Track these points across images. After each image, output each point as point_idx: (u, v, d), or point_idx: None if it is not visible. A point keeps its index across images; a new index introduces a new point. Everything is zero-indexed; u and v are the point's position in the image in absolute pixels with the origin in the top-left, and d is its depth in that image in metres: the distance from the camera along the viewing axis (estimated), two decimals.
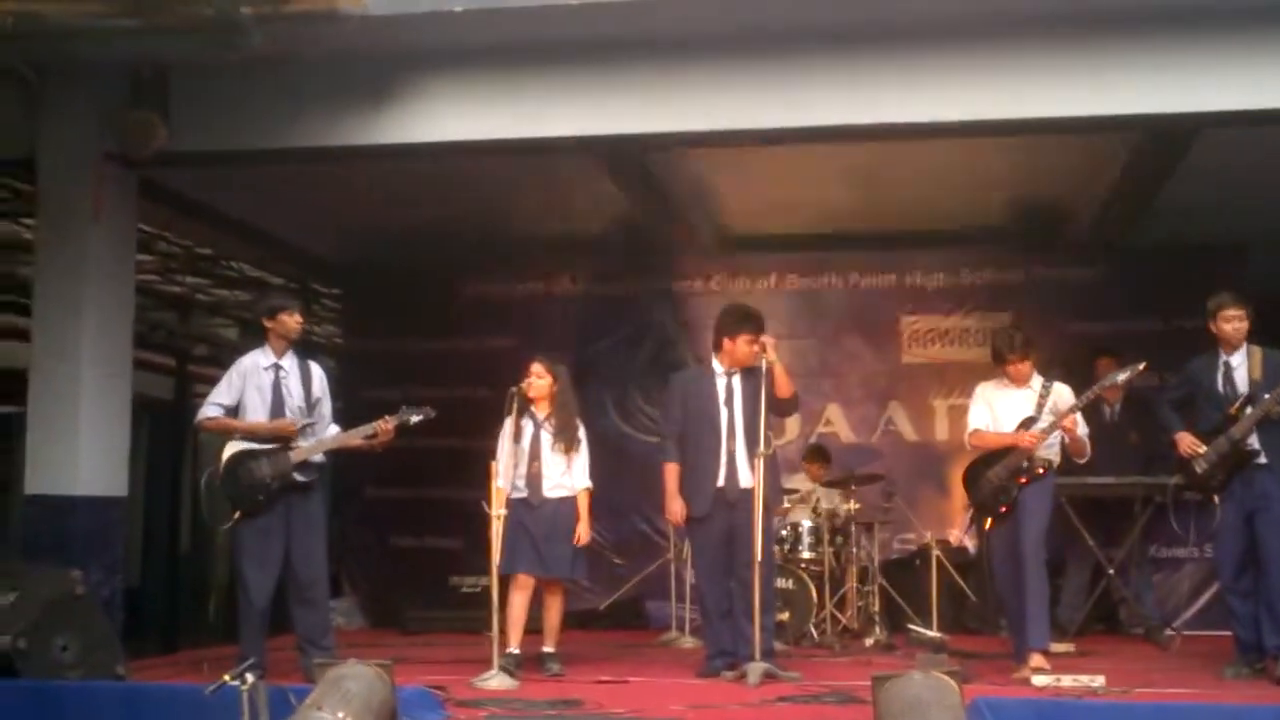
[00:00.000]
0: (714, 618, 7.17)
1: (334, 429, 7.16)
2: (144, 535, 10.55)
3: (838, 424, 10.62)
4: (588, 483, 7.38)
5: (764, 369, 6.99)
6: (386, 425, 6.97)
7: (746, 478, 7.06)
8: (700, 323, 10.83)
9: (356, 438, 7.05)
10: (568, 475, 7.31)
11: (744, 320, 7.23)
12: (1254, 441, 6.80)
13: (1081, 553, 8.84)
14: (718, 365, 7.28)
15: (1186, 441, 7.02)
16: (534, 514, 7.20)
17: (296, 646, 6.89)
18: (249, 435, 6.87)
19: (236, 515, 6.82)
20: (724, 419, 7.16)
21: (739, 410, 7.15)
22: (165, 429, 11.00)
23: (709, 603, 7.20)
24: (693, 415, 7.25)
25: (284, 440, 6.86)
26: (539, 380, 7.34)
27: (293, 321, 7.04)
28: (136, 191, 8.07)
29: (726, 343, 7.22)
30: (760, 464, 6.86)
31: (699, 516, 7.16)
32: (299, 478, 6.86)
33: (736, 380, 7.20)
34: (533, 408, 7.36)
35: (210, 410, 6.94)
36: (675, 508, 7.25)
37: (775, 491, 7.32)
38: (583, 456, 7.39)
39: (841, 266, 10.77)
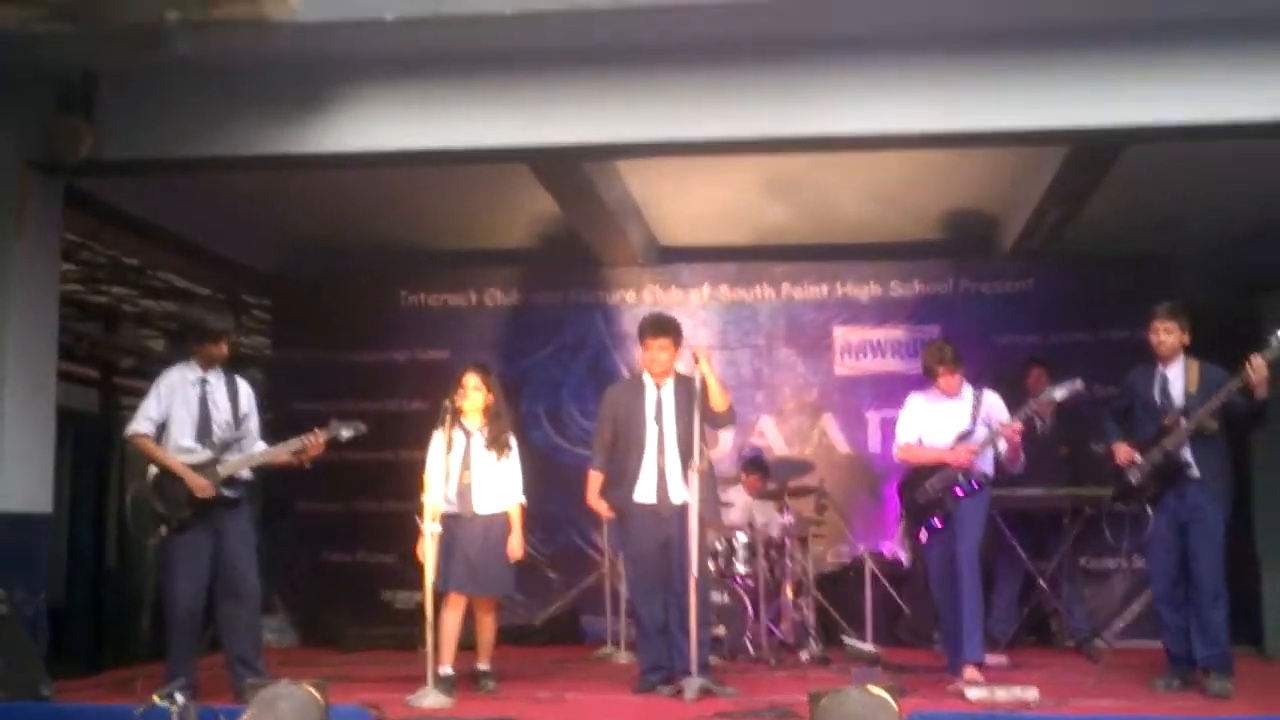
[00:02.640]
0: (649, 633, 7.14)
1: (261, 445, 7.05)
2: (69, 552, 10.33)
3: (771, 436, 10.63)
4: (520, 498, 7.32)
5: (696, 380, 6.97)
6: (315, 439, 6.90)
7: (679, 492, 7.04)
8: (634, 332, 10.78)
9: (285, 453, 6.96)
10: (500, 488, 7.24)
11: (646, 327, 7.28)
12: (1187, 454, 6.86)
13: (1012, 564, 8.90)
14: (647, 377, 7.26)
15: (1123, 452, 7.08)
16: (466, 530, 7.13)
17: (227, 665, 6.78)
18: (171, 470, 6.74)
19: (164, 531, 6.69)
20: (653, 432, 7.14)
21: (670, 422, 7.14)
22: (90, 442, 10.79)
23: (644, 618, 7.17)
24: (622, 427, 7.24)
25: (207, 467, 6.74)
26: (475, 392, 7.27)
27: (219, 351, 6.96)
28: (62, 200, 7.92)
29: (643, 352, 7.26)
30: (695, 477, 6.85)
31: (629, 526, 7.13)
32: (227, 493, 6.76)
33: (668, 391, 7.18)
34: (464, 419, 7.28)
35: (140, 425, 6.83)
36: (599, 508, 7.36)
37: (711, 505, 7.30)
38: (515, 469, 7.33)
39: (774, 278, 10.79)
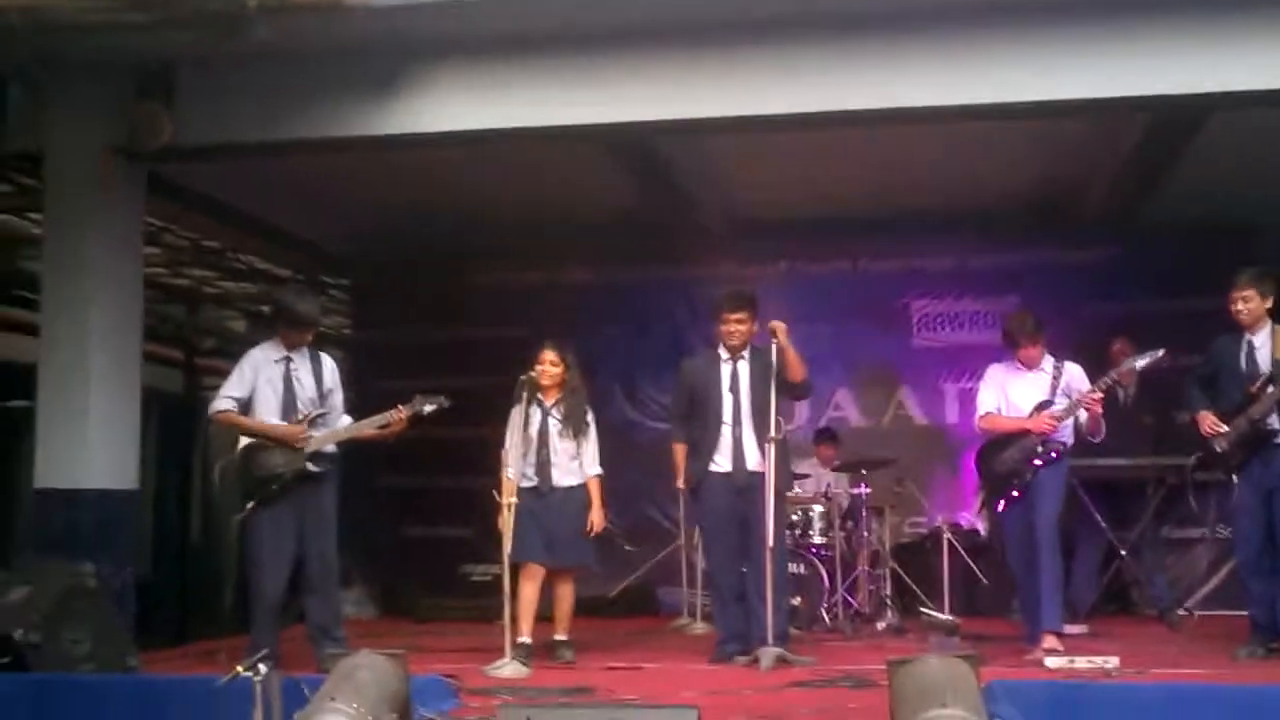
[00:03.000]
0: (726, 602, 7.17)
1: (346, 419, 7.15)
2: (155, 528, 10.53)
3: (847, 408, 10.61)
4: (598, 469, 7.38)
5: (774, 353, 6.99)
6: (400, 415, 6.97)
7: (755, 462, 7.06)
8: (709, 309, 10.81)
9: (369, 428, 7.04)
10: (577, 462, 7.31)
11: (724, 301, 7.31)
12: (1274, 421, 6.75)
13: (1093, 534, 8.82)
14: (723, 350, 7.29)
15: (1207, 421, 6.98)
16: (543, 502, 7.20)
17: (308, 637, 6.89)
18: (259, 436, 6.85)
19: (250, 506, 6.81)
20: (729, 404, 7.16)
21: (745, 394, 7.16)
22: (175, 421, 10.98)
23: (721, 587, 7.22)
24: (699, 400, 7.28)
25: (288, 445, 6.84)
26: (552, 368, 7.33)
27: (304, 338, 7.06)
28: (144, 185, 8.06)
29: (718, 326, 7.28)
30: (771, 448, 6.86)
31: (706, 497, 7.15)
32: (312, 468, 6.85)
33: (743, 364, 7.20)
34: (540, 395, 7.34)
35: (223, 404, 6.94)
36: (687, 478, 7.40)
37: (785, 477, 7.31)
38: (592, 443, 7.40)
39: (851, 251, 10.76)
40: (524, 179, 9.48)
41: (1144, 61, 6.92)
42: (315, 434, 6.91)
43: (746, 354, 7.25)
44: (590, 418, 7.45)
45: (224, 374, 7.24)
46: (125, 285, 7.91)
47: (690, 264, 10.95)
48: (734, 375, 7.22)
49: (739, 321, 7.22)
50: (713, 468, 7.17)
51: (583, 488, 7.31)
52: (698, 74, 7.28)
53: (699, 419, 7.27)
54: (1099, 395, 7.05)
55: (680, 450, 7.40)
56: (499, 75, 7.45)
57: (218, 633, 9.15)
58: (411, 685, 5.03)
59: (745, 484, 7.06)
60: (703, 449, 7.20)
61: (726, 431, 7.16)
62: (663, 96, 7.34)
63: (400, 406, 7.00)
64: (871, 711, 5.22)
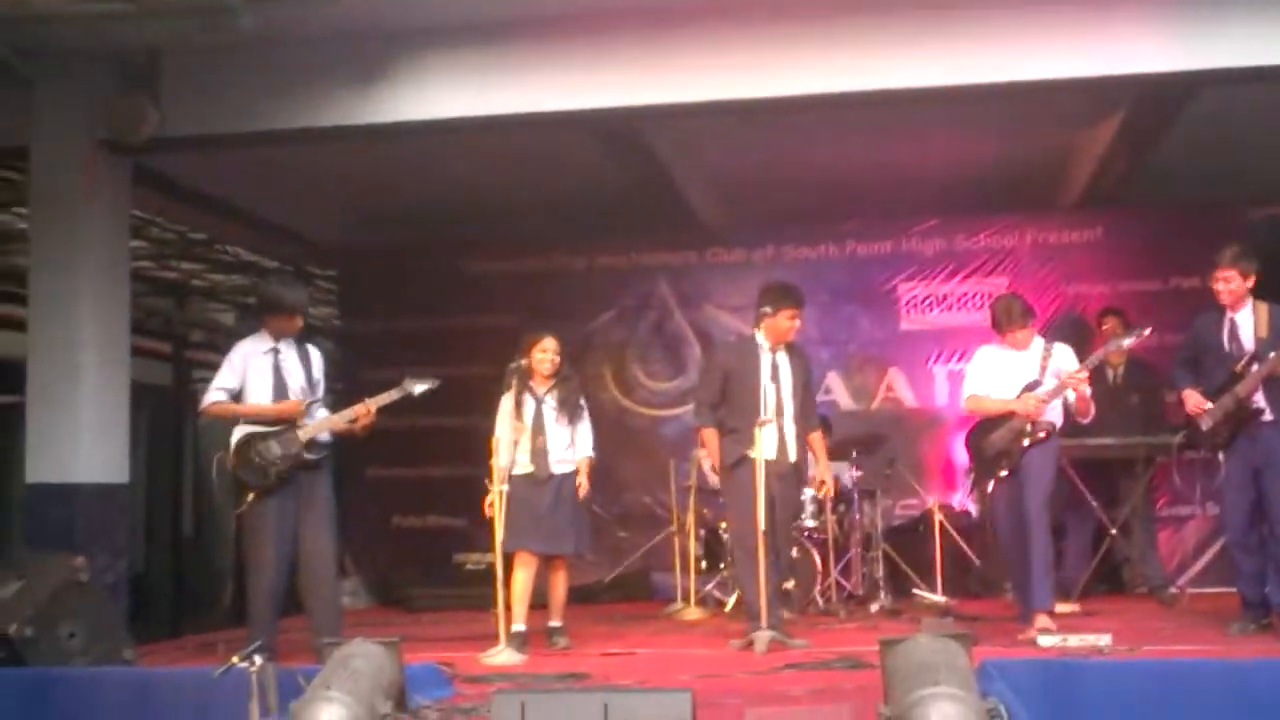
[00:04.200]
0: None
1: (324, 412, 7.11)
2: (146, 521, 10.53)
3: (837, 392, 10.62)
4: (590, 452, 7.41)
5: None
6: (367, 409, 6.91)
7: (794, 452, 7.16)
8: (698, 294, 10.86)
9: (341, 422, 6.99)
10: (571, 449, 7.31)
11: (785, 296, 7.27)
12: (1259, 399, 6.77)
13: (1083, 513, 8.84)
14: (762, 340, 7.26)
15: (1192, 400, 7.00)
16: (538, 490, 7.19)
17: (309, 626, 6.88)
18: (255, 419, 6.84)
19: (251, 497, 6.80)
20: (771, 395, 7.15)
21: (786, 387, 7.18)
22: (164, 414, 10.98)
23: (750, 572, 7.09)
24: (735, 388, 7.22)
25: (289, 421, 6.84)
26: (555, 356, 7.33)
27: (293, 324, 7.03)
28: (131, 178, 8.04)
29: (768, 319, 7.22)
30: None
31: (745, 480, 7.03)
32: (308, 456, 6.84)
33: (782, 356, 7.22)
34: (532, 383, 7.34)
35: (215, 395, 6.92)
36: (714, 464, 7.45)
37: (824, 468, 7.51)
38: (586, 429, 7.42)
39: (838, 235, 10.75)
40: (511, 166, 9.47)
41: (1130, 40, 6.93)
42: (308, 422, 6.89)
43: (783, 347, 7.26)
44: (584, 404, 7.46)
45: (213, 367, 7.23)
46: (113, 279, 7.90)
47: (677, 250, 10.95)
48: (774, 367, 7.22)
49: (796, 318, 7.24)
50: (752, 453, 7.01)
51: (575, 475, 7.31)
52: (681, 58, 7.29)
53: (734, 407, 7.19)
54: (1086, 375, 7.07)
55: (712, 435, 7.31)
56: (483, 62, 7.44)
57: (212, 626, 9.16)
58: (407, 674, 5.04)
59: (784, 473, 7.09)
60: (741, 436, 7.10)
61: (771, 423, 7.10)
62: (645, 81, 7.34)
63: (367, 400, 6.95)
64: (866, 691, 5.23)
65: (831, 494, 7.93)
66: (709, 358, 7.62)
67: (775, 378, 7.18)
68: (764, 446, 6.94)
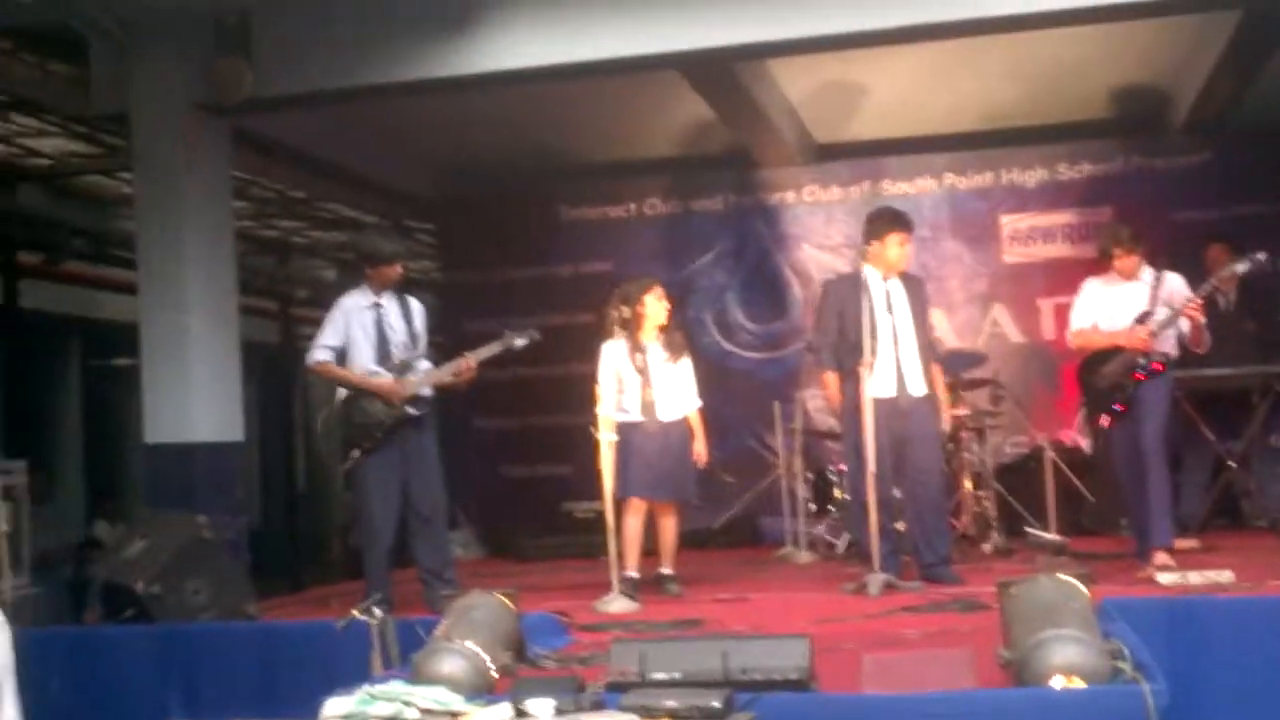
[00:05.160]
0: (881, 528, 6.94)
1: (428, 365, 7.13)
2: (261, 478, 10.73)
3: (941, 329, 10.44)
4: (698, 402, 7.37)
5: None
6: (468, 363, 6.93)
7: (918, 385, 7.02)
8: (795, 234, 10.77)
9: (446, 375, 7.02)
10: (678, 397, 7.28)
11: (893, 221, 7.14)
12: None
13: (1200, 447, 8.64)
14: (872, 271, 7.08)
15: None
16: (645, 437, 7.16)
17: (419, 579, 6.97)
18: (357, 388, 6.88)
19: (356, 454, 6.87)
20: (888, 326, 7.00)
21: (903, 317, 7.06)
22: (274, 372, 11.16)
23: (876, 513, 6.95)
24: (850, 323, 6.99)
25: (386, 400, 6.88)
26: (663, 303, 7.29)
27: (393, 273, 7.03)
28: (230, 139, 8.13)
29: (875, 246, 7.08)
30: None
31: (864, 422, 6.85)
32: (412, 411, 6.88)
33: (896, 285, 7.11)
34: (640, 331, 7.28)
35: (320, 354, 6.97)
36: (835, 406, 7.33)
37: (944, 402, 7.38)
38: (689, 375, 7.37)
39: (935, 169, 10.57)
40: (603, 112, 9.44)
41: None
42: (412, 378, 6.93)
43: (896, 277, 7.12)
44: (687, 350, 7.43)
45: (317, 323, 7.28)
46: (218, 240, 8.02)
47: (773, 190, 10.84)
48: (887, 296, 7.06)
49: (905, 242, 7.10)
50: (874, 392, 6.84)
51: (683, 421, 7.28)
52: None
53: (849, 345, 6.98)
54: (1199, 303, 6.88)
55: (833, 379, 7.16)
56: (571, 8, 7.41)
57: (328, 579, 9.33)
58: (524, 623, 5.08)
59: (909, 408, 6.98)
60: (859, 372, 6.84)
61: (888, 353, 6.96)
62: (734, 20, 7.27)
63: (467, 354, 6.96)
64: (983, 633, 5.17)
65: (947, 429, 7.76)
66: (822, 297, 7.46)
67: (890, 309, 7.05)
68: (877, 385, 6.82)
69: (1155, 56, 9.07)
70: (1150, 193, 10.09)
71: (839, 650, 4.98)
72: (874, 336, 6.84)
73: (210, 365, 7.77)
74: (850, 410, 7.00)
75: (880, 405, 6.84)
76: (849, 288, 7.14)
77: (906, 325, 7.04)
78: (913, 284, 7.18)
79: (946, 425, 7.54)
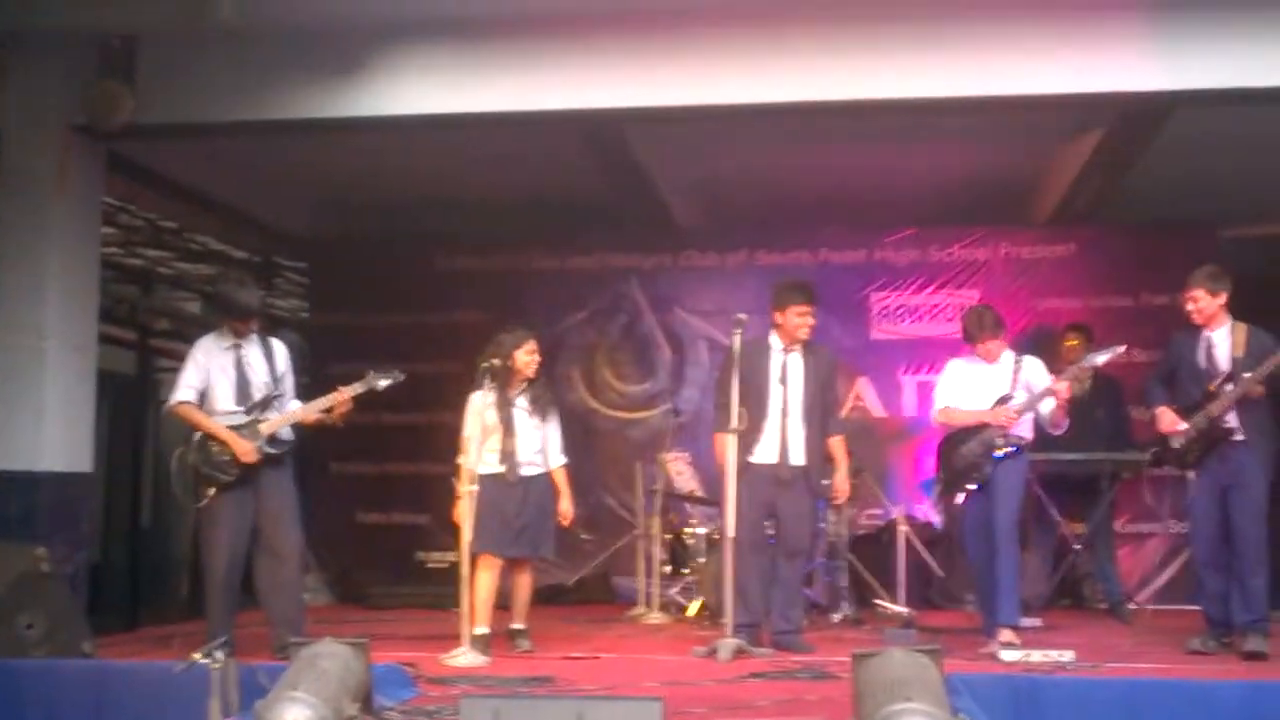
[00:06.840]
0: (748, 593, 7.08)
1: (296, 404, 7.06)
2: (105, 511, 10.41)
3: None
4: (564, 459, 7.35)
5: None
6: (342, 396, 6.89)
7: (798, 456, 7.10)
8: (670, 297, 10.84)
9: (314, 411, 6.96)
10: (541, 452, 7.25)
11: (794, 290, 7.26)
12: (1232, 419, 6.77)
13: (1046, 527, 8.89)
14: (775, 341, 7.23)
15: (1166, 418, 7.00)
16: (506, 491, 7.11)
17: (269, 623, 6.82)
18: (214, 436, 6.75)
19: (211, 493, 6.72)
20: (779, 396, 7.12)
21: (795, 389, 7.14)
22: (127, 403, 10.86)
23: (745, 579, 7.04)
24: (746, 389, 7.07)
25: (250, 419, 6.76)
26: (537, 358, 7.28)
27: (246, 328, 6.97)
28: (104, 164, 7.97)
29: (778, 315, 7.21)
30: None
31: (744, 487, 6.96)
32: (269, 450, 6.78)
33: (795, 358, 7.18)
34: (505, 382, 7.24)
35: (183, 394, 6.84)
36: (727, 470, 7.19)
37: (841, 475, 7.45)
38: (556, 432, 7.35)
39: (811, 243, 10.74)
40: (487, 163, 9.43)
41: (1111, 58, 6.97)
42: (269, 417, 6.83)
43: (799, 348, 7.22)
44: (554, 406, 7.42)
45: (177, 356, 7.16)
46: (82, 265, 7.84)
47: (650, 253, 10.92)
48: (784, 368, 7.17)
49: (806, 314, 7.19)
50: (754, 459, 7.04)
51: (545, 477, 7.24)
52: (662, 62, 7.28)
53: (747, 409, 7.05)
54: (1066, 385, 7.10)
55: (723, 441, 7.12)
56: (462, 59, 7.43)
57: (168, 618, 9.07)
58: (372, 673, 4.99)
59: (789, 478, 7.07)
60: (747, 439, 7.03)
61: (776, 425, 7.10)
62: (626, 83, 7.33)
63: (341, 388, 6.91)
64: (831, 703, 5.24)
65: (843, 502, 7.86)
66: (726, 359, 7.50)
67: (784, 380, 7.15)
68: (760, 451, 6.97)
69: (1028, 149, 9.35)
70: (1017, 280, 10.39)
71: (689, 714, 4.99)
72: (766, 406, 7.02)
73: (64, 393, 7.55)
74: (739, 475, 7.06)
75: (760, 470, 7.00)
76: (753, 352, 7.23)
77: (797, 397, 7.14)
78: (817, 355, 7.27)
79: (844, 495, 7.61)
